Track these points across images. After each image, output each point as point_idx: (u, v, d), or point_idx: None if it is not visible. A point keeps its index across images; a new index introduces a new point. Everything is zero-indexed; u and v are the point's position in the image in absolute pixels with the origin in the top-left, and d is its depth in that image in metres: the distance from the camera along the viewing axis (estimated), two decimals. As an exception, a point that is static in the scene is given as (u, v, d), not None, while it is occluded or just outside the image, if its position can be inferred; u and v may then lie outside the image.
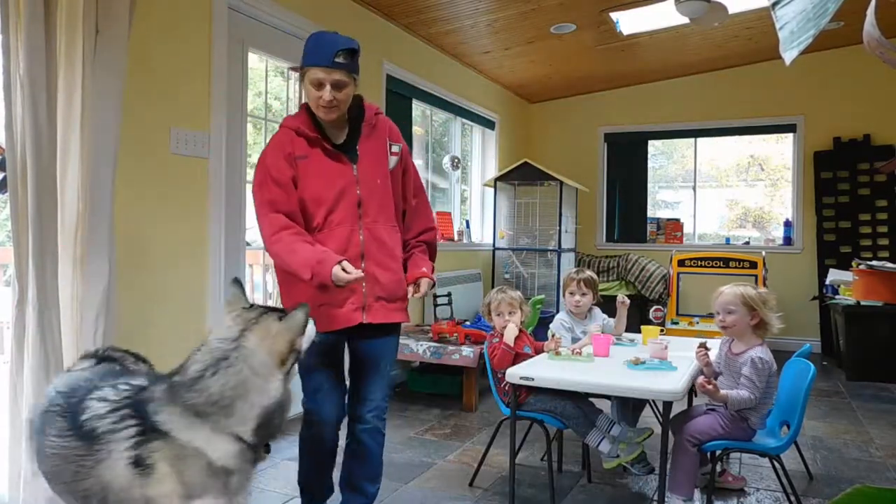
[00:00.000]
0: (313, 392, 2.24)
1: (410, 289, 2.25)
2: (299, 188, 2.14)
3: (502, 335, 2.85)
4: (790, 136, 6.54)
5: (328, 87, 2.08)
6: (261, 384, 1.51)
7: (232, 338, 1.55)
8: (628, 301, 3.36)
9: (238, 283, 1.76)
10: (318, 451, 2.33)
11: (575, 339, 3.14)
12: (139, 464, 1.41)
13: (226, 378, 1.49)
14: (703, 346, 2.55)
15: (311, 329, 1.67)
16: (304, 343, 1.64)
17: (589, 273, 3.26)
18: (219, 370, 1.50)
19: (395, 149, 2.31)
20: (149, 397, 1.50)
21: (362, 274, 2.02)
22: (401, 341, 4.22)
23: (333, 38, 2.12)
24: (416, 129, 5.46)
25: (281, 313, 1.62)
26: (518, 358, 2.78)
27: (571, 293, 3.22)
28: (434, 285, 2.31)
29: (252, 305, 1.66)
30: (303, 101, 2.24)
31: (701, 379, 2.46)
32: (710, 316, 5.01)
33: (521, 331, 2.92)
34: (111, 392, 1.53)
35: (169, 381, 1.53)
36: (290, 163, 2.14)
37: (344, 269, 1.97)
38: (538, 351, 2.94)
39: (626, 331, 3.33)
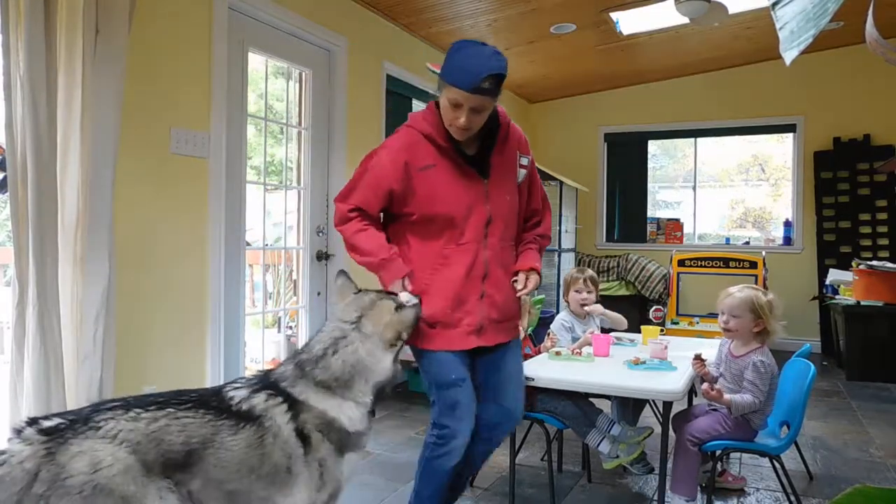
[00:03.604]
0: (450, 408, 2.07)
1: (520, 277, 2.11)
2: (421, 200, 1.99)
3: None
4: (790, 136, 6.54)
5: (466, 111, 1.90)
6: (373, 364, 1.72)
7: (351, 320, 1.75)
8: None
9: (344, 273, 1.92)
10: (448, 471, 2.10)
11: (575, 339, 3.14)
12: (300, 434, 1.58)
13: (345, 357, 1.69)
14: (698, 357, 2.55)
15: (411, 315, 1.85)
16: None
17: (591, 271, 3.27)
18: (338, 349, 1.70)
19: (523, 161, 2.17)
20: (280, 376, 1.67)
21: (416, 302, 1.92)
22: (401, 341, 4.24)
23: (483, 61, 1.86)
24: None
25: (394, 298, 1.82)
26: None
27: (578, 291, 3.21)
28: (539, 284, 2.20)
29: (362, 290, 1.84)
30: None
31: (705, 386, 2.46)
32: (710, 316, 5.01)
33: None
34: (239, 382, 1.65)
35: (296, 359, 1.71)
36: (403, 172, 1.98)
37: (404, 288, 1.96)
38: (538, 353, 2.94)
39: (626, 331, 3.33)
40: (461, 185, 2.01)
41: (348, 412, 1.66)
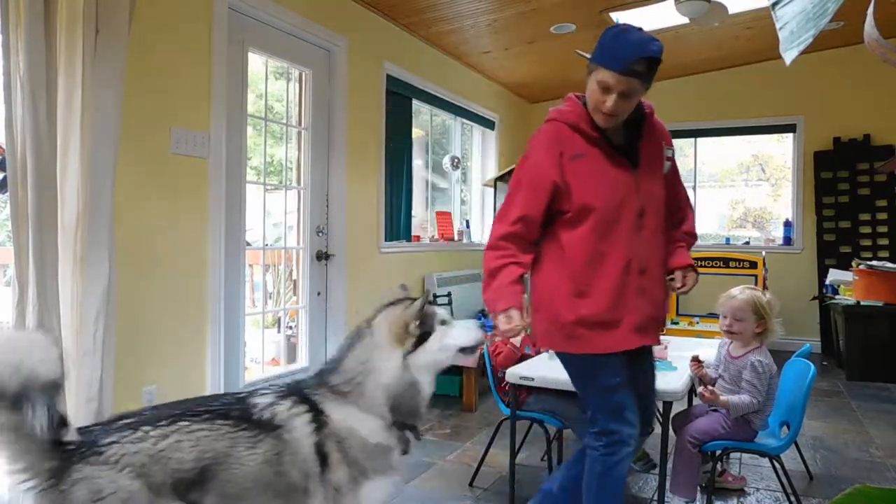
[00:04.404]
0: (617, 411, 1.97)
1: (678, 275, 2.05)
2: (576, 193, 1.91)
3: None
4: (790, 136, 6.54)
5: (614, 95, 1.84)
6: (381, 363, 1.59)
7: (368, 319, 1.70)
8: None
9: (404, 288, 1.84)
10: (624, 479, 2.02)
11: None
12: (319, 450, 1.46)
13: (356, 355, 1.61)
14: (695, 359, 2.56)
15: (472, 336, 1.70)
16: (451, 346, 1.67)
17: None
18: (353, 345, 1.63)
19: (668, 153, 2.09)
20: (304, 384, 1.60)
21: (523, 326, 1.86)
22: (401, 341, 4.24)
23: (636, 41, 1.82)
24: (416, 130, 5.46)
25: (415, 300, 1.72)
26: (519, 358, 2.79)
27: None
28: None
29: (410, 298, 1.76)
30: (567, 99, 2.00)
31: (701, 389, 2.46)
32: (710, 316, 5.00)
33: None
34: (268, 388, 1.56)
35: (320, 368, 1.65)
36: (558, 164, 1.91)
37: (509, 317, 1.85)
38: (538, 353, 2.94)
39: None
40: (613, 176, 1.93)
41: (367, 422, 1.54)
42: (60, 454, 1.28)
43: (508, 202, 1.98)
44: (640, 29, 1.88)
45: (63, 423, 1.32)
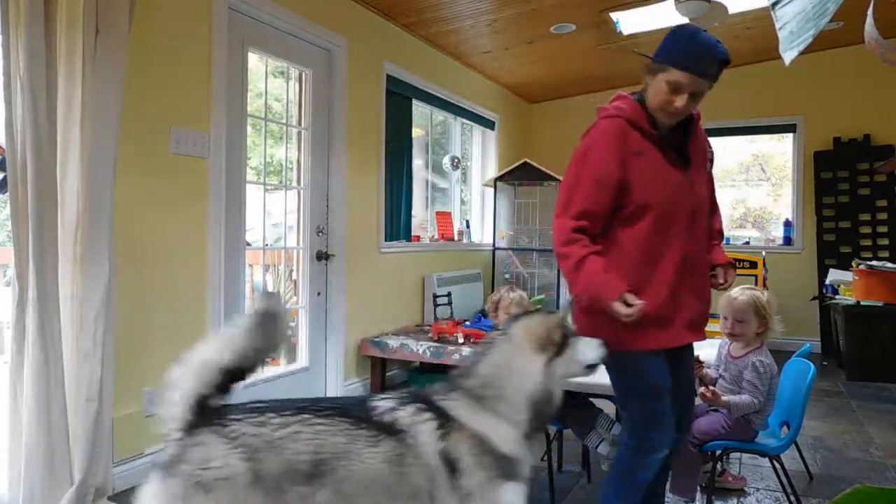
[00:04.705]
0: (655, 416, 1.96)
1: (719, 272, 2.07)
2: (636, 189, 1.90)
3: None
4: (790, 136, 6.54)
5: (685, 95, 1.88)
6: (522, 367, 1.55)
7: (502, 330, 1.67)
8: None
9: (540, 301, 1.80)
10: (644, 486, 2.00)
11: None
12: (446, 457, 1.42)
13: (493, 359, 1.57)
14: (696, 359, 2.55)
15: (598, 353, 1.70)
16: (582, 361, 1.66)
17: None
18: (488, 352, 1.60)
19: (710, 154, 2.12)
20: (430, 391, 1.55)
21: (643, 305, 1.81)
22: (401, 341, 4.26)
23: (710, 44, 1.86)
24: (416, 129, 5.46)
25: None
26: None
27: None
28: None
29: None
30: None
31: (702, 389, 2.46)
32: (711, 316, 4.99)
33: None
34: (390, 394, 1.54)
35: (450, 377, 1.60)
36: (622, 160, 1.90)
37: (626, 303, 1.80)
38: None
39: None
40: (669, 174, 1.94)
41: (500, 431, 1.48)
42: (200, 414, 1.37)
43: (569, 197, 1.94)
44: (705, 30, 1.91)
45: (223, 390, 1.42)
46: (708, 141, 2.15)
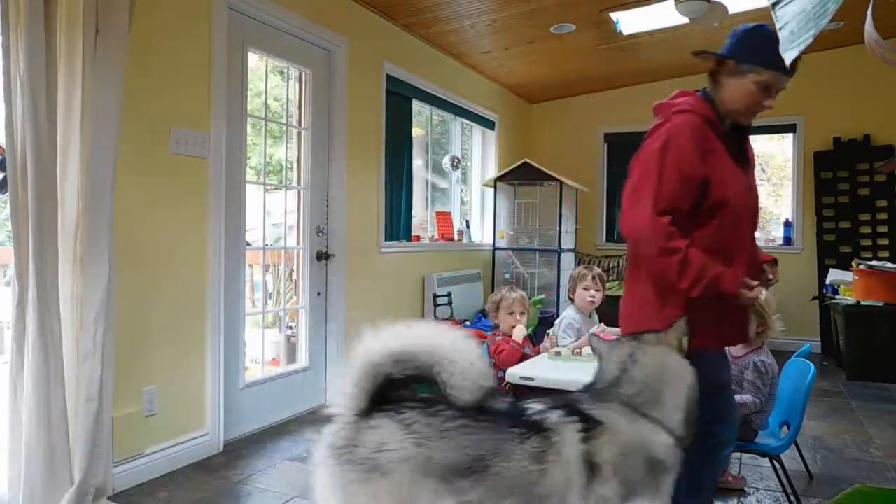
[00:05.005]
0: (723, 412, 1.99)
1: (766, 269, 2.09)
2: (714, 186, 1.88)
3: (506, 334, 2.86)
4: (790, 136, 6.54)
5: (773, 94, 1.90)
6: (675, 367, 1.55)
7: (630, 342, 1.63)
8: None
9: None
10: (715, 481, 2.04)
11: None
12: (589, 460, 1.41)
13: (646, 363, 1.54)
14: None
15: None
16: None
17: (599, 269, 3.28)
18: (636, 361, 1.55)
19: (753, 157, 2.12)
20: (577, 399, 1.53)
21: (760, 286, 1.84)
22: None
23: None
24: (416, 129, 5.46)
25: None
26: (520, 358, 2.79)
27: (586, 288, 3.21)
28: None
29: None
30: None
31: None
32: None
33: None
34: (537, 399, 1.54)
35: (587, 391, 1.58)
36: (702, 157, 1.87)
37: (749, 286, 1.82)
38: (537, 353, 2.94)
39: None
40: (737, 173, 1.94)
41: (657, 437, 1.47)
42: (374, 402, 1.41)
43: (656, 192, 1.84)
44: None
45: (396, 385, 1.45)
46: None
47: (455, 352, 1.41)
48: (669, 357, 1.57)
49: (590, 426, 1.44)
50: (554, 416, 1.45)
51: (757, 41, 1.90)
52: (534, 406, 1.49)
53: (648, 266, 1.90)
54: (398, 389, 1.45)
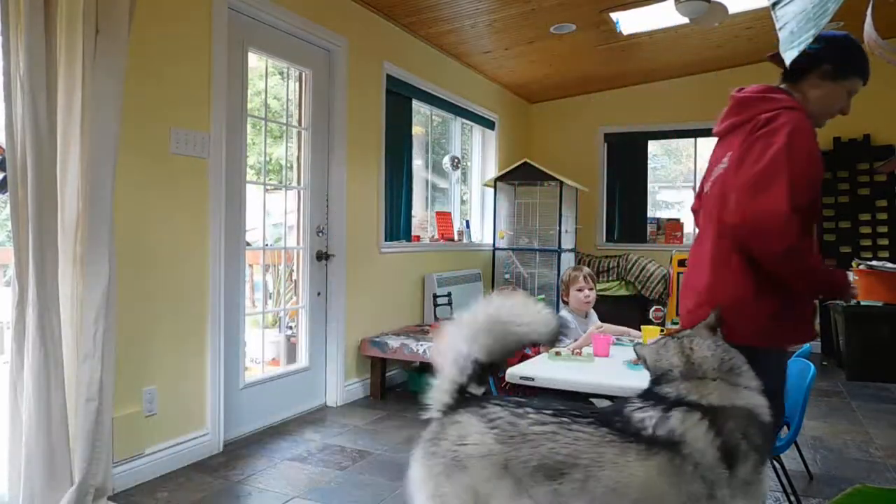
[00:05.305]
0: (780, 416, 1.95)
1: None
2: (817, 186, 1.86)
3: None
4: (790, 136, 6.54)
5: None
6: (723, 345, 1.58)
7: (669, 339, 1.64)
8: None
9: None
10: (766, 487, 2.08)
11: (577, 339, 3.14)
12: (725, 450, 1.39)
13: (707, 347, 1.56)
14: None
15: None
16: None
17: (588, 269, 3.31)
18: (692, 347, 1.57)
19: None
20: (677, 392, 1.50)
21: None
22: (401, 341, 4.26)
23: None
24: (416, 129, 5.46)
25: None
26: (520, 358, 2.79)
27: (580, 289, 3.22)
28: None
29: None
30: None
31: None
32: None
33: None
34: (636, 402, 1.51)
35: (666, 382, 1.55)
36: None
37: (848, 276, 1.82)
38: (537, 353, 2.94)
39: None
40: None
41: (754, 399, 1.48)
42: (460, 397, 1.47)
43: (783, 180, 1.72)
44: None
45: (483, 380, 1.51)
46: None
47: (524, 309, 1.51)
48: (718, 341, 1.58)
49: (713, 417, 1.42)
50: (677, 423, 1.41)
51: (856, 52, 1.93)
52: (646, 414, 1.45)
53: (767, 261, 1.78)
54: (484, 383, 1.51)
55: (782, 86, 1.96)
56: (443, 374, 1.49)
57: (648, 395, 1.53)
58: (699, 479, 1.38)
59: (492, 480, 1.36)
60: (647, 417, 1.44)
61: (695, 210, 2.18)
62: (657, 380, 1.58)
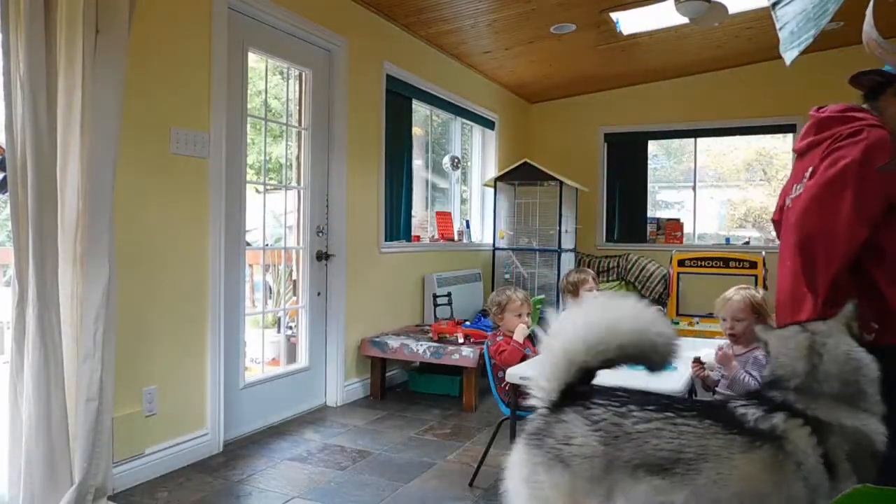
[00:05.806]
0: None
1: None
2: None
3: (507, 334, 2.87)
4: (790, 136, 6.54)
5: None
6: (860, 356, 1.49)
7: (799, 333, 1.55)
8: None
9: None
10: None
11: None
12: (827, 462, 1.36)
13: (836, 358, 1.47)
14: (697, 360, 2.57)
15: None
16: None
17: (590, 270, 3.34)
18: (822, 355, 1.48)
19: None
20: (784, 398, 1.46)
21: None
22: (401, 341, 4.26)
23: None
24: (416, 129, 5.46)
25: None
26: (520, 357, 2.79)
27: (589, 290, 3.25)
28: None
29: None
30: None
31: (718, 349, 2.52)
32: (710, 316, 5.00)
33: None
34: (740, 400, 1.48)
35: (777, 386, 1.49)
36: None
37: None
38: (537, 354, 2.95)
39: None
40: None
41: (874, 426, 1.41)
42: (567, 395, 1.45)
43: (842, 196, 1.73)
44: None
45: (588, 379, 1.49)
46: None
47: (646, 326, 1.45)
48: (852, 347, 1.50)
49: (817, 427, 1.39)
50: (780, 422, 1.39)
51: None
52: (748, 410, 1.43)
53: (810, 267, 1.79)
54: (591, 381, 1.49)
55: (864, 105, 1.94)
56: (553, 371, 1.47)
57: (754, 396, 1.50)
58: (801, 480, 1.34)
59: (592, 480, 1.37)
60: (749, 413, 1.43)
61: (775, 221, 2.20)
62: (771, 383, 1.51)
